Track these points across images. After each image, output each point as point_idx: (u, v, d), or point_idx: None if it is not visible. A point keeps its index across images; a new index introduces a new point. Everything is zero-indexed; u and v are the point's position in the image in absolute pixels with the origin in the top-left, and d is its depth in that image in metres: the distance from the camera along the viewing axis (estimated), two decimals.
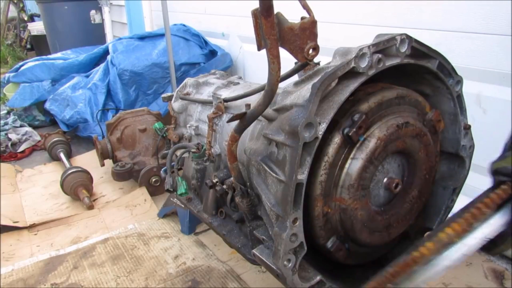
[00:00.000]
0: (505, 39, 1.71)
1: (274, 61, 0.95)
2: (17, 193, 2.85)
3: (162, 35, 3.49)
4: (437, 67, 1.22)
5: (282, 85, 1.12)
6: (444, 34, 1.96)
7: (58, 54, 4.51)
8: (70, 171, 2.68)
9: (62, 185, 2.66)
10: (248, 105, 1.32)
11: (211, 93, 1.82)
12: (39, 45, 7.17)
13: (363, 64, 1.04)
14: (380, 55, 1.05)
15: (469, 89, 1.53)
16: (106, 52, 3.85)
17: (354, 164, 1.10)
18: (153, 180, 2.63)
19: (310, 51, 0.96)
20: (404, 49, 1.11)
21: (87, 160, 3.28)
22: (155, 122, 2.51)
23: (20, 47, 8.47)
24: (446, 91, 1.31)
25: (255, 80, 2.71)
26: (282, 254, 1.05)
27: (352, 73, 1.04)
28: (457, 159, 1.41)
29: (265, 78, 1.01)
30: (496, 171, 0.86)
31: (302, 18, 0.95)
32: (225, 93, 1.75)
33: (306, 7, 0.95)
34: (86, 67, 3.99)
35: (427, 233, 1.12)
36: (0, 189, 2.79)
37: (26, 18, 8.45)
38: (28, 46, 8.18)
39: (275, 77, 0.98)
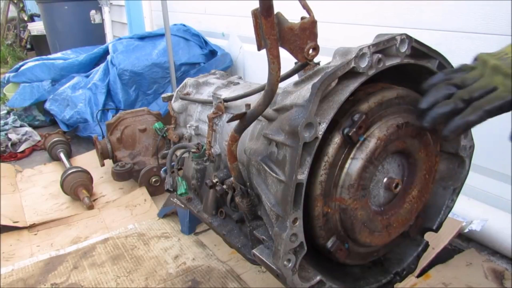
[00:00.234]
0: (505, 39, 1.70)
1: (274, 61, 0.95)
2: (17, 193, 2.85)
3: (162, 35, 3.49)
4: (437, 67, 1.21)
5: (282, 85, 1.12)
6: (444, 34, 1.96)
7: (58, 54, 4.51)
8: (70, 171, 2.68)
9: (62, 185, 2.66)
10: (248, 105, 1.32)
11: (211, 93, 1.82)
12: (39, 45, 7.17)
13: (363, 64, 1.03)
14: (380, 55, 1.05)
15: None
16: (106, 52, 3.85)
17: (354, 164, 1.10)
18: (153, 180, 2.64)
19: (310, 51, 0.96)
20: (404, 49, 1.11)
21: (87, 160, 3.28)
22: (155, 122, 2.51)
23: (20, 47, 8.48)
24: None
25: (255, 80, 2.71)
26: (282, 254, 1.05)
27: (352, 73, 1.03)
28: (457, 159, 1.41)
29: (265, 78, 1.01)
30: None
31: (302, 18, 0.95)
32: (225, 93, 1.75)
33: (306, 7, 0.95)
34: (86, 67, 3.99)
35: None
36: (0, 189, 2.79)
37: (26, 18, 8.46)
38: (28, 46, 8.19)
39: (275, 77, 0.98)
